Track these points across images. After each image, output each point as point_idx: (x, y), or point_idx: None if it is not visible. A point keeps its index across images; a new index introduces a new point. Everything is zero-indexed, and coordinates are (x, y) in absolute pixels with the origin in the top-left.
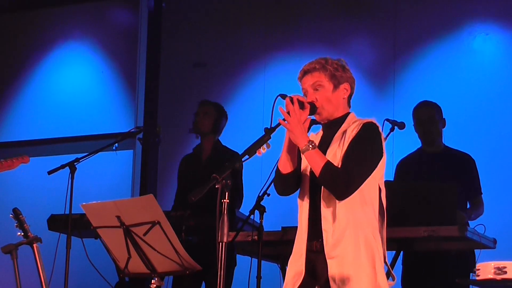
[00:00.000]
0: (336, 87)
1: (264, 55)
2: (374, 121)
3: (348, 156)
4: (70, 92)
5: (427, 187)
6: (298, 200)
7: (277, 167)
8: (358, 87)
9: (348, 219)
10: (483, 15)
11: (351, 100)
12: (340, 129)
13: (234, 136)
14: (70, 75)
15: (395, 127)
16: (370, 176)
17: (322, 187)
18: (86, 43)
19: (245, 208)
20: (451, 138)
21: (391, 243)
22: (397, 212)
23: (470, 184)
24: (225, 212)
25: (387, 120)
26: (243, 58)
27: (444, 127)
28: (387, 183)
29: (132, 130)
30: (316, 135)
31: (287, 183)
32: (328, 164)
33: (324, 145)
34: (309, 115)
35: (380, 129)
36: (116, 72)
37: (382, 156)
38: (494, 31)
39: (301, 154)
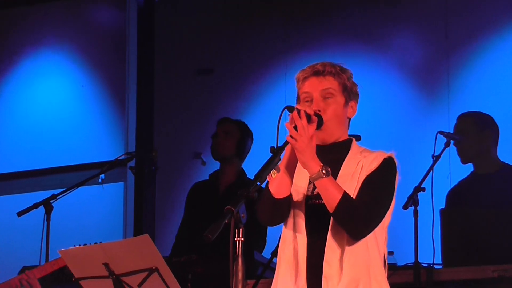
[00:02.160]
0: (347, 102)
1: (284, 59)
2: (394, 156)
3: (366, 189)
4: (44, 112)
5: (493, 214)
6: (286, 232)
7: (267, 189)
8: (403, 92)
9: (360, 269)
10: None
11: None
12: (347, 158)
13: (249, 159)
14: (42, 92)
15: (451, 141)
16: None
17: (331, 223)
18: (62, 51)
19: (265, 249)
20: None
21: None
22: (457, 247)
23: None
24: (240, 253)
25: (441, 133)
26: (259, 63)
27: (492, 141)
28: (442, 211)
29: (122, 157)
30: None
31: (279, 210)
32: (346, 196)
33: None
34: (316, 129)
35: (397, 165)
36: (100, 85)
37: (392, 200)
38: None
39: (311, 181)
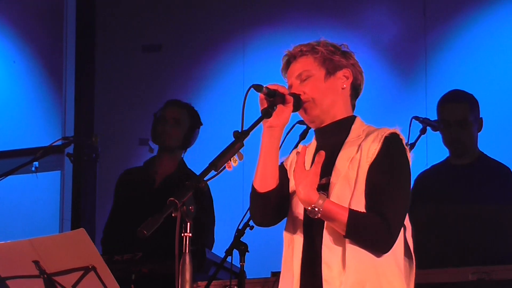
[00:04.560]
0: (330, 73)
1: (242, 34)
2: (398, 131)
3: (374, 191)
4: None
5: (472, 210)
6: (285, 234)
7: (252, 186)
8: (376, 73)
9: (366, 269)
10: None
11: (356, 101)
12: (347, 139)
13: (203, 146)
14: None
15: (427, 127)
16: None
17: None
18: None
19: (219, 246)
20: (499, 144)
21: None
22: (434, 248)
23: None
24: (187, 251)
25: (416, 118)
26: (213, 38)
27: (480, 130)
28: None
29: (58, 143)
30: (309, 147)
31: (268, 206)
32: (352, 215)
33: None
34: (293, 111)
35: (405, 142)
36: (34, 61)
37: (409, 187)
38: None
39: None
